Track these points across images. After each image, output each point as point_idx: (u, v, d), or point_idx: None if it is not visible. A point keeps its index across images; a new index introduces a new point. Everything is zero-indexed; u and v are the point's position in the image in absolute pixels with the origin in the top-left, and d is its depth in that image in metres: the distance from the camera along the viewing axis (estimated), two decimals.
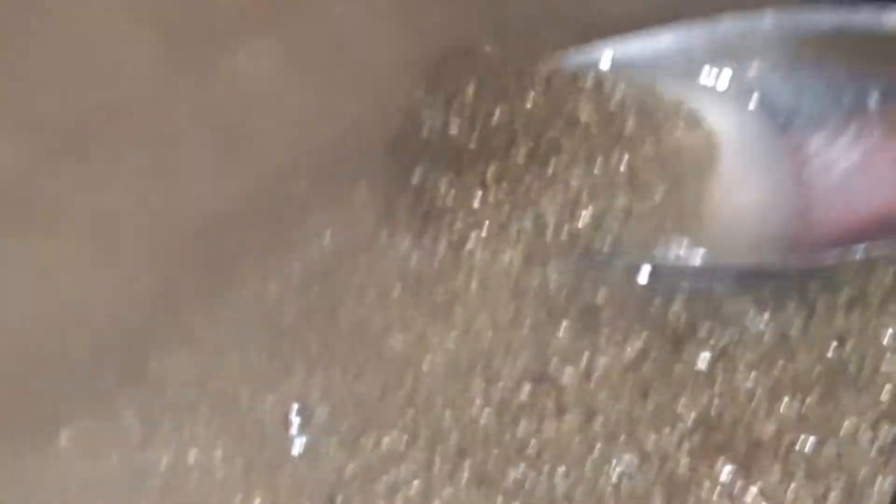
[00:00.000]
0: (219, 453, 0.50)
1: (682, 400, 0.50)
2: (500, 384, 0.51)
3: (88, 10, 0.54)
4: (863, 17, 0.51)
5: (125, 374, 0.51)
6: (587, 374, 0.51)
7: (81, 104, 0.54)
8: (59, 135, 0.54)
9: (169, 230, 0.53)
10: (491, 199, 0.53)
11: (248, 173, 0.54)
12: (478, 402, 0.51)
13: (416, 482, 0.50)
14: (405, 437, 0.51)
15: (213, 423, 0.51)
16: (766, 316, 0.52)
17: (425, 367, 0.52)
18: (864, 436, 0.49)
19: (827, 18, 0.52)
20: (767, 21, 0.53)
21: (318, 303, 0.53)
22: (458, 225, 0.53)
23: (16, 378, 0.51)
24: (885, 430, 0.49)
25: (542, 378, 0.51)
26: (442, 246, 0.53)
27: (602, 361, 0.51)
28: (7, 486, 0.50)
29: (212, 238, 0.53)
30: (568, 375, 0.51)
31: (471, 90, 0.54)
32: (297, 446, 0.51)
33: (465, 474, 0.50)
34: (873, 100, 0.52)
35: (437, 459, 0.50)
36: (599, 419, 0.50)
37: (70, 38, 0.53)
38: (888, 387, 0.50)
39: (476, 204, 0.53)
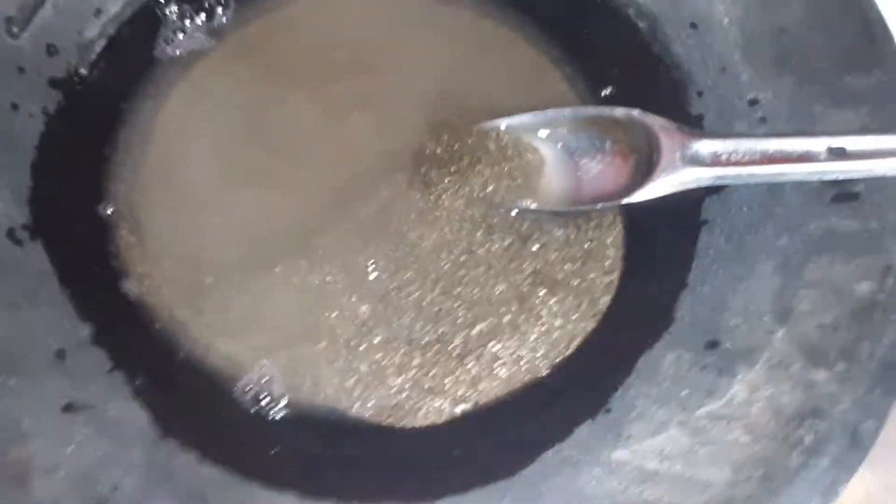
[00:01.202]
0: (343, 286, 0.56)
1: (525, 264, 0.60)
2: (461, 260, 0.59)
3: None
4: (605, 110, 0.58)
5: (302, 243, 0.55)
6: (488, 252, 0.60)
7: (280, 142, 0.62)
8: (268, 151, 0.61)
9: (322, 190, 0.58)
10: (454, 180, 0.58)
11: (349, 168, 0.58)
12: (453, 269, 0.58)
13: (428, 296, 0.58)
14: (421, 282, 0.58)
15: (342, 271, 0.56)
16: (562, 229, 0.60)
17: (428, 251, 0.58)
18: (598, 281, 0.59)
19: (590, 111, 0.59)
20: (567, 112, 0.59)
21: (379, 224, 0.57)
22: (441, 191, 0.58)
23: (254, 241, 0.55)
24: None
25: (470, 254, 0.59)
26: (431, 200, 0.58)
27: (495, 247, 0.60)
28: (245, 297, 0.54)
29: (338, 192, 0.57)
30: (482, 254, 0.59)
31: (446, 136, 0.60)
32: (377, 285, 0.57)
33: (440, 294, 0.58)
34: (608, 144, 0.59)
35: (433, 288, 0.58)
36: (491, 270, 0.59)
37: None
38: (608, 262, 0.60)
39: (446, 182, 0.58)
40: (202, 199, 0.58)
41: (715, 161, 0.53)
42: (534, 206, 0.60)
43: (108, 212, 0.57)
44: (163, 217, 0.58)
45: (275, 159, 0.59)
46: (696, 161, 0.54)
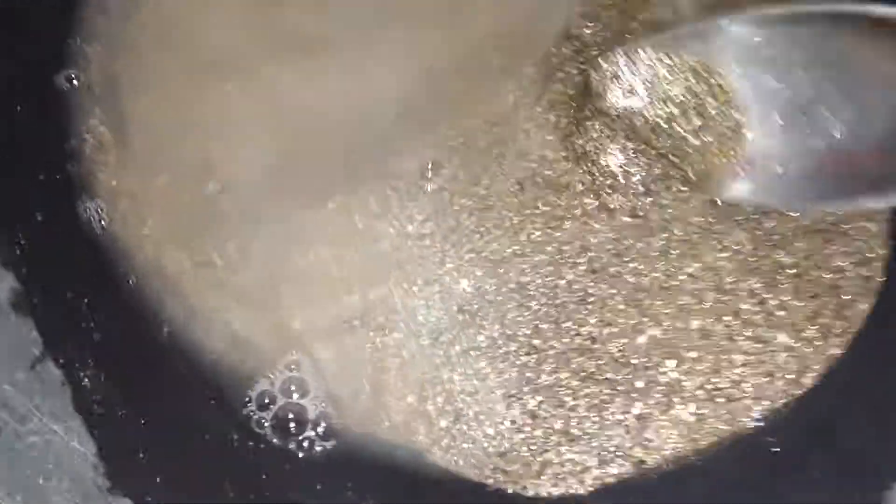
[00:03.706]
0: (433, 243, 0.36)
1: (729, 237, 0.35)
2: (625, 222, 0.36)
3: None
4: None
5: (370, 170, 0.36)
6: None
7: None
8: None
9: (409, 79, 0.38)
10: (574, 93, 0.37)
11: (448, 49, 0.38)
12: (612, 233, 0.36)
13: (569, 273, 0.36)
14: (558, 248, 0.36)
15: (432, 219, 0.36)
16: None
17: (569, 199, 0.36)
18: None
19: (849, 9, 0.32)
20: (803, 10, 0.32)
21: (493, 147, 0.37)
22: (561, 105, 0.37)
23: (307, 168, 0.37)
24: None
25: (639, 215, 0.36)
26: (553, 114, 0.37)
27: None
28: (293, 231, 0.36)
29: (429, 85, 0.37)
30: (657, 213, 0.36)
31: (570, 50, 0.38)
32: (488, 246, 0.36)
33: (587, 271, 0.36)
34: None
35: (576, 260, 0.36)
36: (675, 242, 0.35)
37: None
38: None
39: (569, 94, 0.37)
40: (220, 76, 0.38)
41: None
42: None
43: (73, 84, 0.38)
44: (157, 101, 0.38)
45: (334, 23, 0.38)
46: None
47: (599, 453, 0.33)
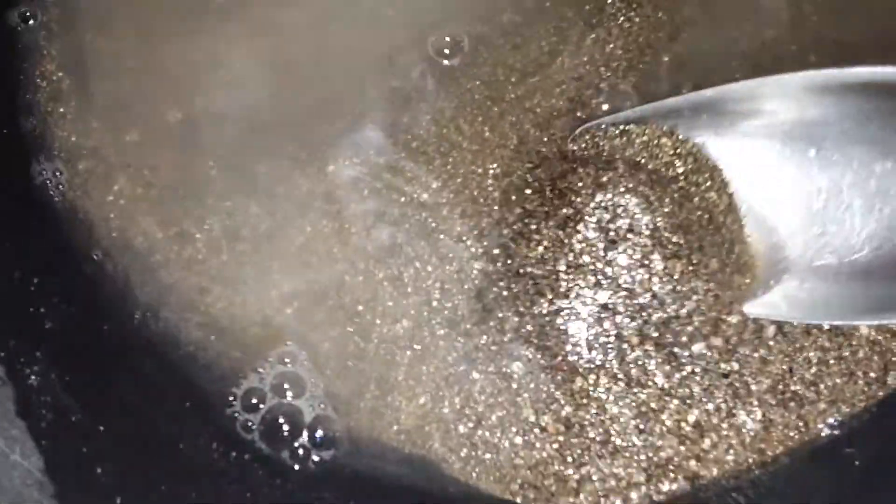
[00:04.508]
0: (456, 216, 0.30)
1: None
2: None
3: None
4: None
5: (378, 125, 0.31)
6: None
7: None
8: None
9: (426, 22, 0.32)
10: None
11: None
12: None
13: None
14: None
15: (454, 187, 0.31)
16: None
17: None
18: None
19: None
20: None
21: (525, 83, 0.32)
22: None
23: (306, 122, 0.32)
24: None
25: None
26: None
27: None
28: (287, 199, 0.31)
29: (455, 32, 0.32)
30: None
31: None
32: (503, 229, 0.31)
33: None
34: None
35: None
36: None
37: None
38: None
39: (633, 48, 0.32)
40: (205, 11, 0.33)
41: None
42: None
43: (27, 22, 0.32)
44: (127, 42, 0.33)
45: None
46: None
47: (647, 467, 0.28)
